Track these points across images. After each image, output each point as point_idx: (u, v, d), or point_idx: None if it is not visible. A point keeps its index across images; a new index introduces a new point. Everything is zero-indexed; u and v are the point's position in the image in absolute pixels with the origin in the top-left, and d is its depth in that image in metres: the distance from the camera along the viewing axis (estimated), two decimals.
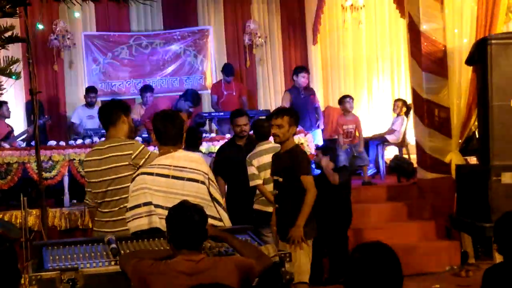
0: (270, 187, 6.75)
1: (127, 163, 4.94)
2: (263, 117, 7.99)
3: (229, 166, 7.39)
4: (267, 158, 6.78)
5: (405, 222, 9.00)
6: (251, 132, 7.48)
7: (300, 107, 10.02)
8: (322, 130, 10.92)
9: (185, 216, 3.53)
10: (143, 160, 4.92)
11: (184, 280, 3.42)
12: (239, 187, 7.24)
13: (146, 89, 11.22)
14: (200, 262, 3.50)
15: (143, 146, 5.07)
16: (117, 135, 5.12)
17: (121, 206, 4.92)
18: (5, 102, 10.26)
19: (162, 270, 3.48)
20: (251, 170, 7.00)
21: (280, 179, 6.00)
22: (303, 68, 10.71)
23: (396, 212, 9.13)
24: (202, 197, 4.39)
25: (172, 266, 3.49)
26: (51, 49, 12.30)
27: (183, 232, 3.53)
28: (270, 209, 6.70)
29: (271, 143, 7.10)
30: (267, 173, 6.84)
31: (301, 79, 10.27)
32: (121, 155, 4.96)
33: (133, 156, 4.94)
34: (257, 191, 7.06)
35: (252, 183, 7.00)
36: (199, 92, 12.39)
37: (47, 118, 10.73)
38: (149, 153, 4.98)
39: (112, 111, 5.18)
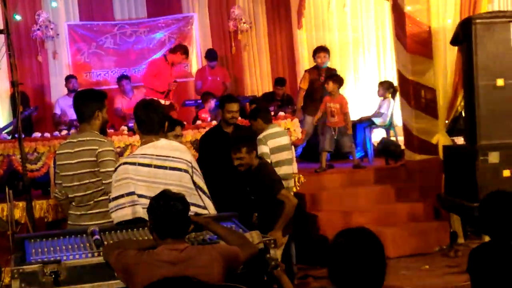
0: (284, 169, 6.97)
1: (94, 158, 4.86)
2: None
3: (215, 155, 7.11)
4: (283, 140, 6.92)
5: (393, 204, 8.99)
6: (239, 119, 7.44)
7: (317, 90, 10.01)
8: None
9: (167, 205, 3.50)
10: (102, 159, 4.83)
11: (168, 269, 3.40)
12: (226, 177, 6.99)
13: (121, 78, 11.24)
14: (184, 251, 3.48)
15: (111, 148, 4.94)
16: (90, 129, 5.01)
17: (96, 199, 4.88)
18: None
19: (146, 260, 3.46)
20: (264, 149, 6.95)
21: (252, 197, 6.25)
22: (320, 48, 10.51)
23: (385, 194, 9.12)
24: (185, 186, 4.36)
25: (155, 256, 3.47)
26: (34, 40, 12.22)
27: (166, 222, 3.50)
28: None
29: (278, 127, 7.33)
30: (283, 155, 6.90)
31: (317, 59, 10.18)
32: (89, 149, 4.88)
33: (97, 152, 4.84)
34: None
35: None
36: (184, 80, 12.37)
37: (33, 110, 10.65)
38: (109, 159, 4.83)
39: (87, 106, 5.04)
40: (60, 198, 5.14)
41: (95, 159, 4.84)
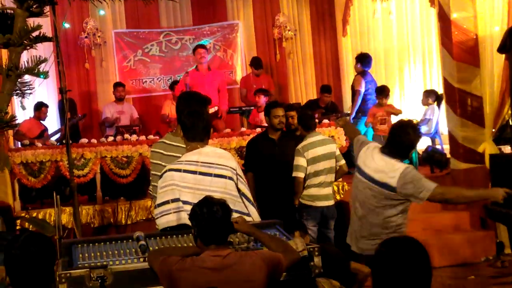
0: (320, 179, 7.02)
1: None
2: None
3: (260, 160, 7.33)
4: (321, 150, 6.90)
5: (439, 213, 8.91)
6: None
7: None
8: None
9: (210, 211, 3.52)
10: None
11: (211, 275, 3.42)
12: (269, 181, 7.21)
13: (175, 83, 11.25)
14: (226, 257, 3.49)
15: None
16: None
17: None
18: (46, 105, 10.38)
19: (189, 266, 3.48)
20: (300, 161, 7.03)
21: None
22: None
23: (430, 203, 8.88)
24: (230, 193, 4.37)
25: (199, 263, 3.49)
26: (82, 47, 12.43)
27: (209, 228, 3.53)
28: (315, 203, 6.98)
29: (321, 135, 7.25)
30: (320, 165, 6.94)
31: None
32: (177, 157, 4.85)
33: None
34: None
35: (295, 174, 7.02)
36: (229, 87, 12.43)
37: (81, 117, 10.84)
38: None
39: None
40: (152, 194, 5.22)
41: None
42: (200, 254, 3.57)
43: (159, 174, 4.92)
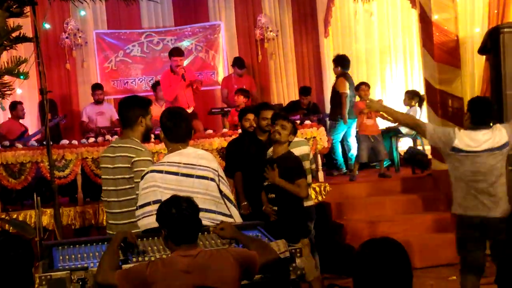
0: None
1: (129, 165, 4.86)
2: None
3: (249, 161, 7.08)
4: (296, 152, 6.71)
5: (420, 213, 8.93)
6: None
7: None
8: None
9: (178, 210, 3.48)
10: (136, 168, 4.79)
11: (184, 278, 3.37)
12: (258, 182, 6.96)
13: (156, 84, 11.21)
14: (197, 256, 3.45)
15: (148, 158, 4.89)
16: (132, 135, 5.02)
17: (127, 209, 4.88)
18: (20, 103, 10.33)
19: (161, 269, 3.39)
20: None
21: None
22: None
23: (412, 204, 9.07)
24: (212, 194, 4.37)
25: (170, 265, 3.42)
26: (63, 48, 12.36)
27: (179, 227, 3.47)
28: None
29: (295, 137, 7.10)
30: None
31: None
32: (126, 156, 4.89)
33: (133, 160, 4.84)
34: None
35: None
36: (211, 88, 12.39)
37: (62, 118, 10.76)
38: (144, 169, 4.64)
39: (131, 112, 5.06)
40: (104, 200, 5.18)
41: (130, 166, 4.83)
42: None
43: (110, 177, 4.95)
